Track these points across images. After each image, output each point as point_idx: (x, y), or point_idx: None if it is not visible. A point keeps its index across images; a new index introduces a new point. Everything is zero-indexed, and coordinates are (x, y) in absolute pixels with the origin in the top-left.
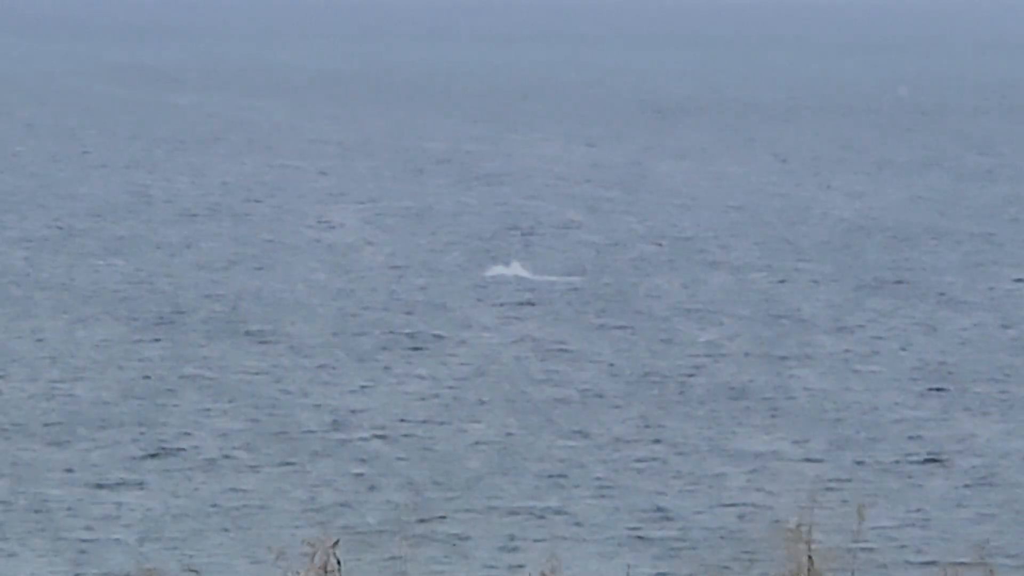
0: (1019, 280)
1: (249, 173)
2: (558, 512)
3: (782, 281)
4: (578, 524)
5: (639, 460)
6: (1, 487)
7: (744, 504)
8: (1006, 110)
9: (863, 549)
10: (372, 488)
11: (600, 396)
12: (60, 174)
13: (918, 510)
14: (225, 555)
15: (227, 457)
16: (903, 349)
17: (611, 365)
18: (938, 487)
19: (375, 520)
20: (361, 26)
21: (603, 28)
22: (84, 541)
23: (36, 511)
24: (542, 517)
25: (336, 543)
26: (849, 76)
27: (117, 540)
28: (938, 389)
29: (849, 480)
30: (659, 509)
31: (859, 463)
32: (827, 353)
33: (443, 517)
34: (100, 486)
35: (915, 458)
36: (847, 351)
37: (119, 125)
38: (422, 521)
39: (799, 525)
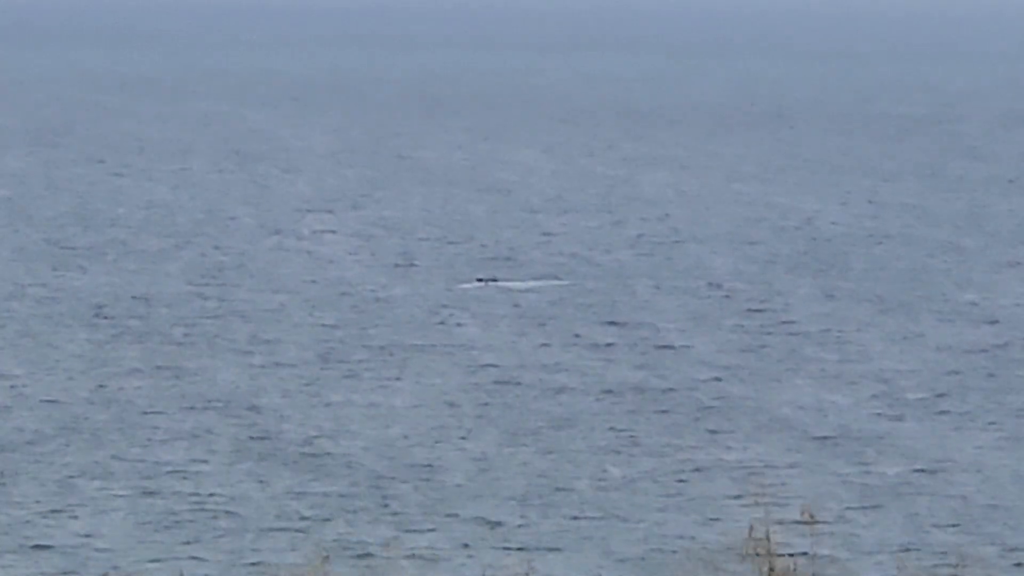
0: (1004, 291)
1: (232, 181)
2: (536, 524)
3: (767, 291)
4: (556, 536)
5: (621, 472)
6: None
7: (724, 517)
8: (991, 119)
9: (840, 560)
10: (352, 500)
11: (582, 407)
12: (39, 182)
13: (902, 520)
14: (202, 566)
15: (207, 469)
16: (888, 360)
17: (593, 376)
18: (923, 498)
19: (354, 532)
20: (344, 33)
21: (583, 33)
22: (61, 549)
23: (13, 519)
24: (520, 528)
25: (326, 558)
26: (832, 84)
27: (95, 548)
28: (923, 400)
29: (836, 492)
30: (639, 521)
31: (844, 474)
32: (812, 364)
33: (422, 529)
34: (77, 495)
35: (901, 469)
36: (832, 362)
37: (100, 132)
38: (402, 533)
39: (772, 538)
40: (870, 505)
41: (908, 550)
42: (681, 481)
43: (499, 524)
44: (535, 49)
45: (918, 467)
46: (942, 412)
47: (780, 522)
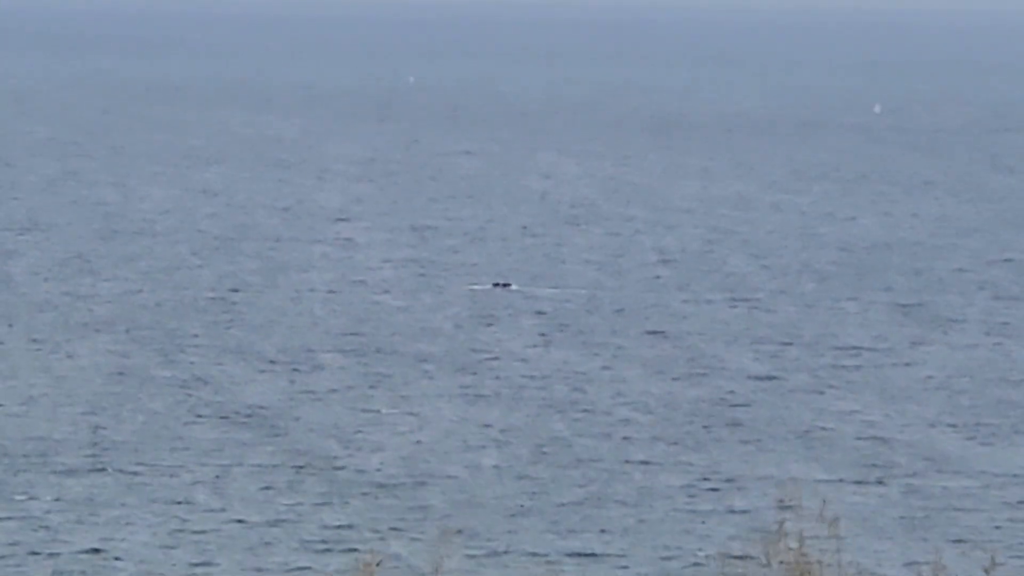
0: None
1: (260, 190)
2: (570, 536)
3: (799, 301)
4: (590, 549)
5: (654, 485)
6: None
7: (761, 529)
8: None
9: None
10: (378, 512)
11: (614, 418)
12: (66, 190)
13: (939, 533)
14: None
15: (231, 480)
16: (926, 371)
17: (625, 387)
18: (961, 512)
19: (382, 546)
20: (370, 44)
21: (610, 45)
22: (84, 561)
23: (36, 529)
24: (554, 541)
25: (379, 563)
26: (864, 95)
27: (118, 560)
28: (962, 412)
29: (872, 504)
30: (674, 534)
31: (881, 487)
32: (847, 375)
33: (457, 543)
34: (101, 507)
35: (939, 481)
36: (868, 373)
37: (126, 141)
38: (430, 546)
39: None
40: (906, 517)
41: (945, 565)
42: (715, 492)
43: (531, 536)
44: (564, 59)
45: (956, 480)
46: (980, 425)
47: (813, 533)
